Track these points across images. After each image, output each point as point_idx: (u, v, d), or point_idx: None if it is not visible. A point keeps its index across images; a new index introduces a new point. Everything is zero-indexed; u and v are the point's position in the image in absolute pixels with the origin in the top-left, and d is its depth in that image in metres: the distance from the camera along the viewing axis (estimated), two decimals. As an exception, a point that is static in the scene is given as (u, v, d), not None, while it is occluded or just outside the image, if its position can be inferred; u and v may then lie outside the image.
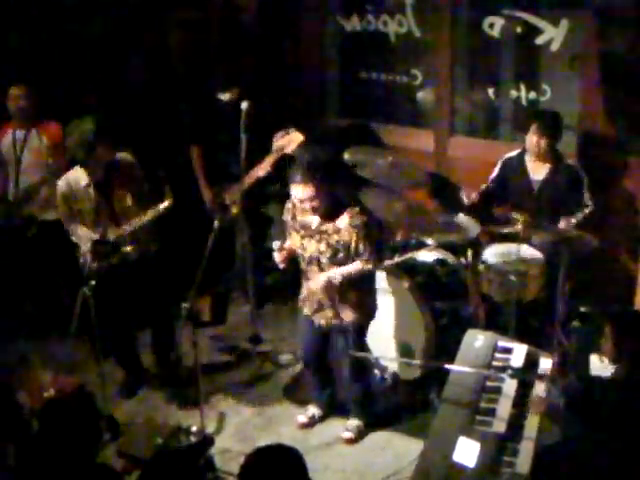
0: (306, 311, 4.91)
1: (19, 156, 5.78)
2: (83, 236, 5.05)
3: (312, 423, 5.20)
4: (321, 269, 4.71)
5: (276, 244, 4.83)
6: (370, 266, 4.67)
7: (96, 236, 5.00)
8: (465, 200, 5.53)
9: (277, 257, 4.79)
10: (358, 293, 4.78)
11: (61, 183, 5.07)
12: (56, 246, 5.68)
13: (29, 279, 6.07)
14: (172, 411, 5.31)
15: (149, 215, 5.02)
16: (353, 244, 4.59)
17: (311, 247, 4.70)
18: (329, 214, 4.62)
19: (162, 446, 4.39)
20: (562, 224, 5.20)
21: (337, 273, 4.66)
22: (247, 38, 6.55)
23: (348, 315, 4.79)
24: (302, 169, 4.51)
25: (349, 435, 5.08)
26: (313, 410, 5.24)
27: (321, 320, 4.85)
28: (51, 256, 5.86)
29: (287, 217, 4.81)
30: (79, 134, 4.89)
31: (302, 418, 5.21)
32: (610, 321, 3.99)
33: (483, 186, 5.61)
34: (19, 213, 5.88)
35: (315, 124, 6.51)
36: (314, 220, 4.67)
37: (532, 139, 5.34)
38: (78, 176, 5.04)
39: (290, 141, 5.54)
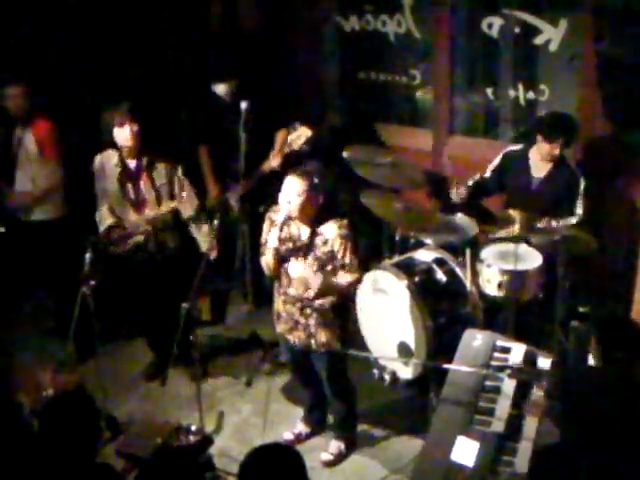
0: (279, 329, 4.83)
1: (16, 155, 5.75)
2: (102, 218, 5.24)
3: (298, 441, 5.09)
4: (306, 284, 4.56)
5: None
6: (358, 276, 4.61)
7: (111, 221, 5.18)
8: (454, 197, 5.53)
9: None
10: (340, 319, 4.69)
11: (96, 160, 5.25)
12: (34, 247, 5.79)
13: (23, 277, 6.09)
14: (172, 411, 5.32)
15: (164, 208, 5.17)
16: (340, 254, 4.51)
17: (297, 264, 4.57)
18: (315, 223, 4.53)
19: (162, 446, 4.39)
20: (541, 225, 5.17)
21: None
22: (247, 38, 6.55)
23: (326, 338, 4.67)
24: (305, 167, 4.50)
25: (328, 458, 4.95)
26: (300, 428, 5.17)
27: (295, 339, 4.76)
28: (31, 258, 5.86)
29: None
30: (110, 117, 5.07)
31: (288, 435, 5.13)
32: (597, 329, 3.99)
33: (476, 176, 5.57)
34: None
35: (315, 123, 6.51)
36: (303, 233, 4.55)
37: (544, 148, 5.26)
38: (110, 154, 5.21)
39: (298, 136, 5.50)
